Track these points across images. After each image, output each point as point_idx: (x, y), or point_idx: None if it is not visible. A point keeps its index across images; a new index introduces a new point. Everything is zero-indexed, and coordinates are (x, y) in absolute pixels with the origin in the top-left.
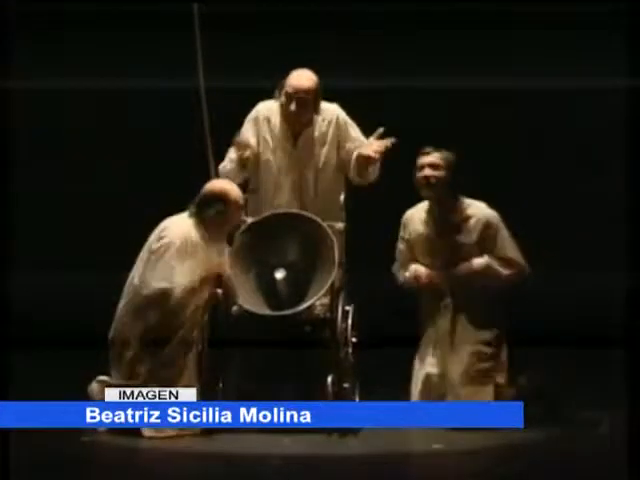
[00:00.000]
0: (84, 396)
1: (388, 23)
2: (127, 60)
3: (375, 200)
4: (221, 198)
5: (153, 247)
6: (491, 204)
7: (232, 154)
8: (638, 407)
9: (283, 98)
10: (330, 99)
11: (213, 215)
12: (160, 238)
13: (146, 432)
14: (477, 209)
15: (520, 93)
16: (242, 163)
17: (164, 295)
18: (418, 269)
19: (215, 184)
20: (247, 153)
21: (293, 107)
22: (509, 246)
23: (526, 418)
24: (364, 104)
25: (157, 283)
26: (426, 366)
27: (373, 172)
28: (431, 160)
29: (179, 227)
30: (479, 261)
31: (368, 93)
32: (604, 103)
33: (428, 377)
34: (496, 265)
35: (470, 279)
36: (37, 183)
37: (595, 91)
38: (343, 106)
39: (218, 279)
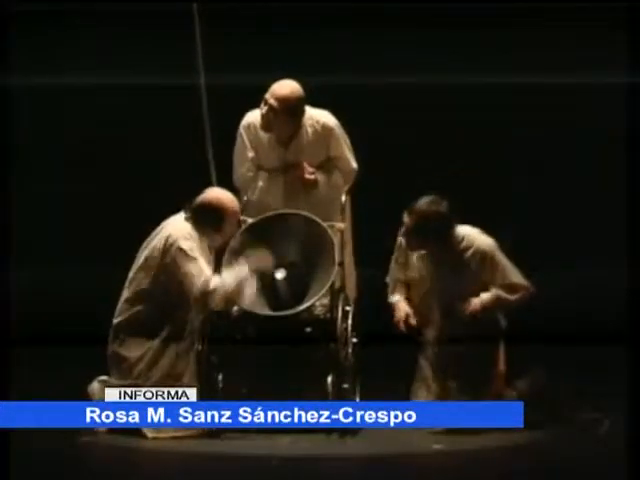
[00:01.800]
0: (84, 394)
1: (388, 21)
2: (127, 57)
3: (374, 199)
4: (219, 211)
5: (161, 251)
6: (490, 202)
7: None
8: (638, 407)
9: (262, 106)
10: (330, 97)
11: (209, 226)
12: (169, 245)
13: (148, 433)
14: (471, 240)
15: (518, 89)
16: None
17: (203, 297)
18: (398, 304)
19: (215, 196)
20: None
21: (265, 112)
22: (510, 271)
23: (526, 418)
24: (364, 102)
25: (197, 288)
26: (428, 385)
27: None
28: (406, 222)
29: (182, 231)
30: (487, 295)
31: (368, 91)
32: (604, 100)
33: (431, 396)
34: (504, 294)
35: (481, 314)
36: (37, 180)
37: (595, 88)
38: (343, 104)
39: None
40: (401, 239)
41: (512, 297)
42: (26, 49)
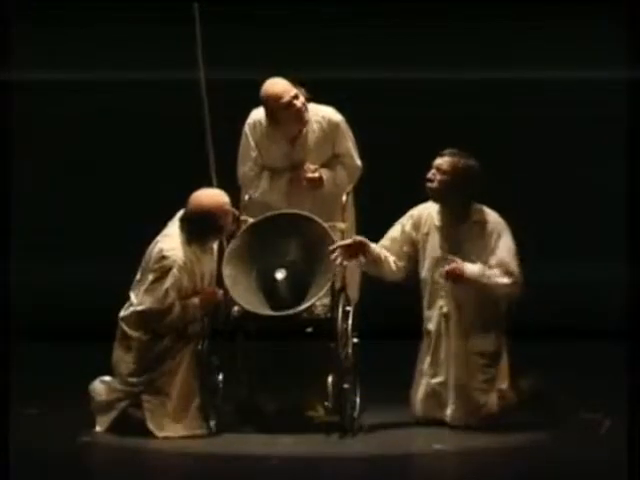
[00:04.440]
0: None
1: (388, 16)
2: (127, 52)
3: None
4: (208, 216)
5: (153, 266)
6: (491, 197)
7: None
8: (638, 407)
9: (270, 112)
10: (330, 92)
11: (203, 232)
12: (161, 258)
13: (157, 432)
14: (485, 215)
15: (518, 85)
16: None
17: (155, 315)
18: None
19: (199, 200)
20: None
21: (270, 111)
22: (508, 254)
23: (526, 419)
24: (365, 97)
25: (150, 303)
26: (427, 376)
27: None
28: (439, 163)
29: (177, 249)
30: (473, 267)
31: (368, 86)
32: (604, 94)
33: (430, 387)
34: (491, 273)
35: (459, 282)
36: (38, 177)
37: (595, 82)
38: (343, 99)
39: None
40: (415, 216)
41: (500, 280)
42: (25, 45)
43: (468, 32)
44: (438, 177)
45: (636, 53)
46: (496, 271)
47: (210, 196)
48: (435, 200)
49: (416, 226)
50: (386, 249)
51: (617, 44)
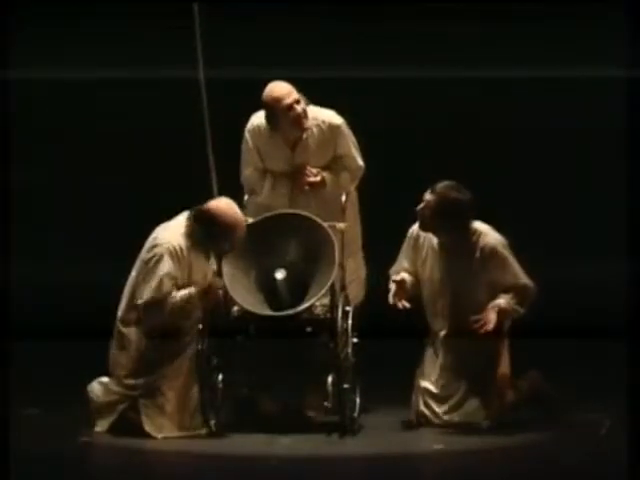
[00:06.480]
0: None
1: (389, 12)
2: (127, 51)
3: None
4: (225, 227)
5: (145, 256)
6: (491, 194)
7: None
8: (638, 407)
9: (271, 115)
10: (330, 89)
11: (215, 238)
12: (152, 247)
13: (155, 433)
14: (482, 235)
15: (518, 83)
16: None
17: (154, 305)
18: (394, 282)
19: (221, 210)
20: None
21: (270, 115)
22: (519, 272)
23: (526, 419)
24: (364, 95)
25: (147, 294)
26: (427, 379)
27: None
28: (427, 198)
29: (170, 237)
30: (498, 311)
31: (369, 84)
32: (604, 94)
33: (429, 390)
34: (514, 304)
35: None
36: (38, 177)
37: (595, 81)
38: (343, 97)
39: (209, 289)
40: (413, 235)
41: (522, 308)
42: (25, 43)
43: (468, 32)
44: (426, 212)
45: (636, 53)
46: (516, 293)
47: (233, 213)
48: (425, 232)
49: (416, 245)
50: (406, 272)
51: (617, 44)
